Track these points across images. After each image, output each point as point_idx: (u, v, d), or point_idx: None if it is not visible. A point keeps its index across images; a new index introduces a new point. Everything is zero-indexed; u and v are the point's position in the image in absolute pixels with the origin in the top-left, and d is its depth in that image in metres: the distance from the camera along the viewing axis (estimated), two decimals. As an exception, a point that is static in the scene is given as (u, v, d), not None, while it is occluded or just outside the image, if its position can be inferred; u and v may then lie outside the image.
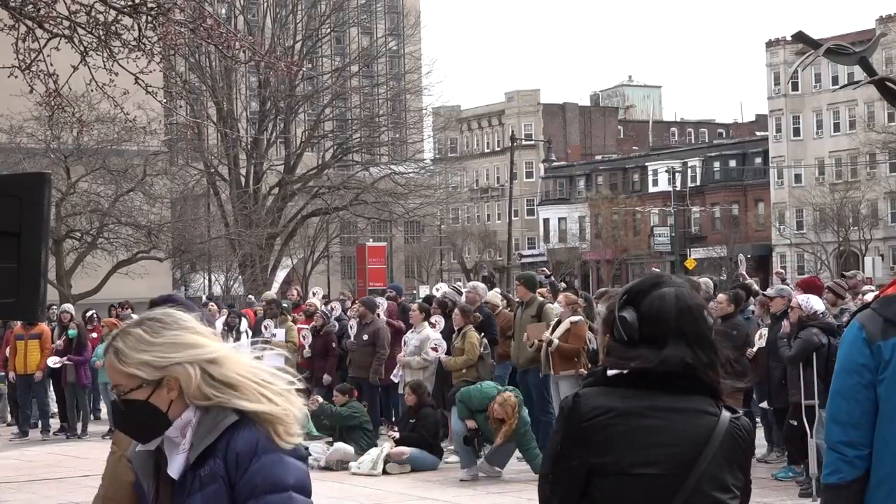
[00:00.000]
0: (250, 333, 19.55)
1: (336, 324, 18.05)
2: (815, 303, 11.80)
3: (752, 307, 14.68)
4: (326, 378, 17.17)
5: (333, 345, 17.54)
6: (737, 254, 58.03)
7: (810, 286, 12.71)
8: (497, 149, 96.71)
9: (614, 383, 3.24)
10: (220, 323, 19.59)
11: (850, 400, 3.94)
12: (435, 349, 15.15)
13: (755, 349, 13.43)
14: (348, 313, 18.76)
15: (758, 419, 14.82)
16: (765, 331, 13.63)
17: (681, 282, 3.31)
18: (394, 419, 16.73)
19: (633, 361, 3.19)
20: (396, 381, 16.14)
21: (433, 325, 15.73)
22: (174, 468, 3.00)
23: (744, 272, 16.88)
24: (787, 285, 15.83)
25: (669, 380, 3.18)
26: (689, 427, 3.16)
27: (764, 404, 13.61)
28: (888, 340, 3.90)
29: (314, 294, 20.71)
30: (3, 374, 19.51)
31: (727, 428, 3.19)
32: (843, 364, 4.00)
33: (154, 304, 4.97)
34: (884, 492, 3.90)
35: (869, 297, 13.01)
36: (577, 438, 3.20)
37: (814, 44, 5.00)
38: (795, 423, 11.31)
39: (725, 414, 3.21)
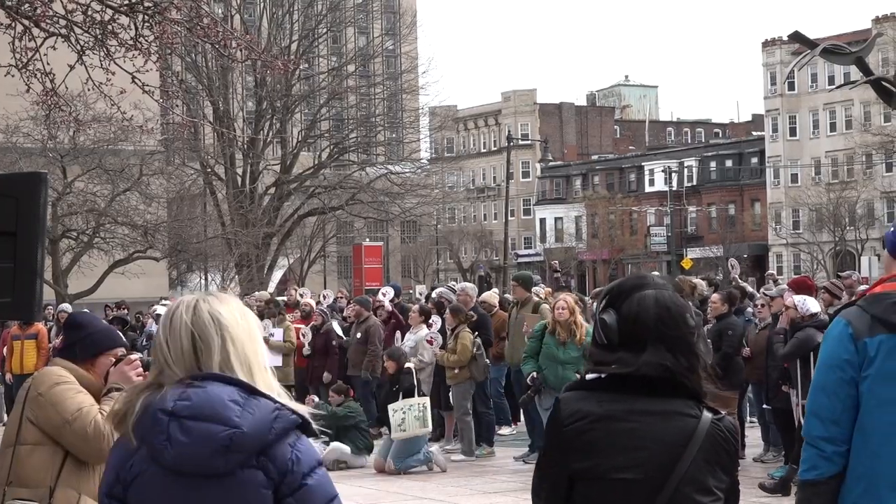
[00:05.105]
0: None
1: (332, 322, 18.05)
2: (812, 305, 11.77)
3: (750, 308, 14.67)
4: (327, 376, 17.17)
5: (333, 342, 17.55)
6: (733, 254, 58.16)
7: (801, 286, 12.70)
8: (493, 148, 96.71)
9: (593, 387, 3.21)
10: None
11: (831, 395, 3.94)
12: (430, 342, 15.05)
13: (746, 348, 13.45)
14: (344, 313, 18.74)
15: (754, 419, 14.83)
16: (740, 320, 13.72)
17: (663, 283, 3.26)
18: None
19: (611, 365, 3.17)
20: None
21: (430, 326, 15.70)
22: None
23: (736, 276, 16.77)
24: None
25: (648, 383, 3.14)
26: (668, 430, 3.12)
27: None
28: (874, 337, 3.91)
29: (302, 295, 20.41)
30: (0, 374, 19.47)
31: (708, 429, 3.13)
32: (827, 359, 3.99)
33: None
34: (861, 488, 3.90)
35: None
36: (558, 444, 3.18)
37: (810, 44, 5.02)
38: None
39: (706, 415, 3.15)
